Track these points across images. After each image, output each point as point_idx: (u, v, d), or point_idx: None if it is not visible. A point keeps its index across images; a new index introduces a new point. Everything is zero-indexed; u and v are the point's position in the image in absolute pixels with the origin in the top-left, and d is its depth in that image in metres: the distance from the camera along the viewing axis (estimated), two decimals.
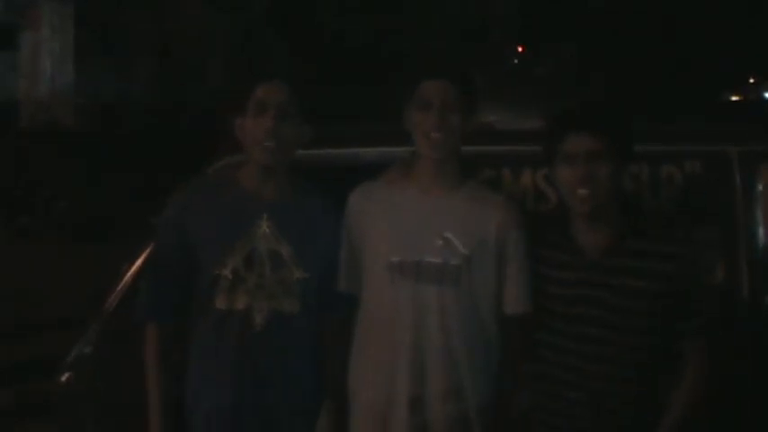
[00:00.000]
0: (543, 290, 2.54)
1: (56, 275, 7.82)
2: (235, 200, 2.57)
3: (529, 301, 2.55)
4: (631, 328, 2.45)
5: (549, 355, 2.54)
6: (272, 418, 2.56)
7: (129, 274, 3.04)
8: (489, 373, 2.56)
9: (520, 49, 25.70)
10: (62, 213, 10.91)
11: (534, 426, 2.59)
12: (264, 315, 2.53)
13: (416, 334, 2.50)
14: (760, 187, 3.14)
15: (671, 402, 2.48)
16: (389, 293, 2.53)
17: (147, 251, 2.94)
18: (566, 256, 2.52)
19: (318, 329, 2.64)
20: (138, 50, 16.01)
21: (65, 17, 15.97)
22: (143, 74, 16.09)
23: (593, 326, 2.47)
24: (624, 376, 2.46)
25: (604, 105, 2.65)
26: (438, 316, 2.50)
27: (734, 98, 24.71)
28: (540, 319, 2.55)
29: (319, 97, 2.70)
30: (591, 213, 2.46)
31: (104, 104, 15.19)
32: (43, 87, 15.97)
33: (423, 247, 2.51)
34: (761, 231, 3.12)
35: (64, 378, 3.06)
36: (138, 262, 3.02)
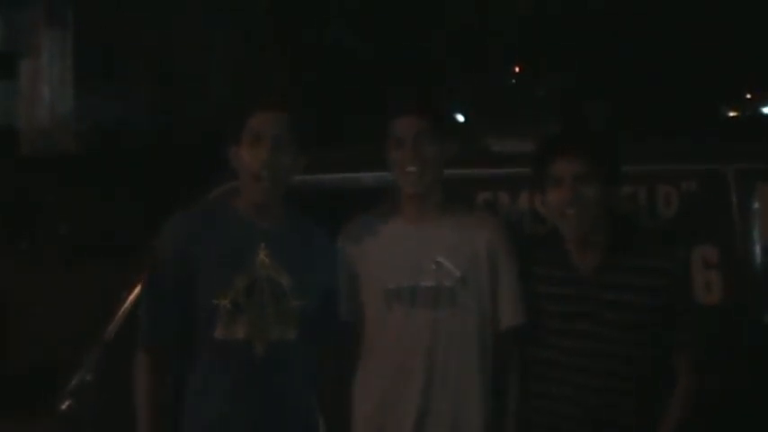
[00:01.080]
0: (539, 306, 2.60)
1: (57, 299, 7.80)
2: (232, 228, 2.57)
3: (522, 312, 2.60)
4: (624, 341, 2.51)
5: (545, 371, 2.58)
6: None
7: (130, 299, 3.04)
8: (487, 389, 2.61)
9: (517, 69, 25.74)
10: (63, 238, 10.92)
11: None
12: (265, 344, 2.52)
13: (416, 356, 2.57)
14: (756, 205, 3.16)
15: (664, 417, 2.52)
16: (388, 320, 2.60)
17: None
18: (560, 273, 2.59)
19: (317, 358, 2.65)
20: (139, 75, 16.07)
21: (64, 44, 16.04)
22: (143, 98, 16.15)
23: (588, 340, 2.53)
24: (619, 390, 2.52)
25: (591, 130, 2.72)
26: (435, 337, 2.57)
27: (731, 114, 24.80)
28: (536, 336, 2.60)
29: (319, 119, 2.73)
30: (581, 233, 2.54)
31: (105, 129, 15.24)
32: (43, 114, 16.02)
33: (417, 273, 2.59)
34: (758, 249, 3.14)
35: (65, 406, 3.06)
36: (139, 287, 3.02)
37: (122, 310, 3.06)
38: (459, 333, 2.58)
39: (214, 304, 2.50)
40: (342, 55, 15.55)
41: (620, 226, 2.62)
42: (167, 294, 2.54)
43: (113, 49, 15.51)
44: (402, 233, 2.64)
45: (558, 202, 2.53)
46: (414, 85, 12.97)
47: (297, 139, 2.57)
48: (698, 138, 4.20)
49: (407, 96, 2.77)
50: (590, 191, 2.50)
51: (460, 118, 15.67)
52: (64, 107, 16.21)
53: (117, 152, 14.12)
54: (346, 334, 2.66)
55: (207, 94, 15.79)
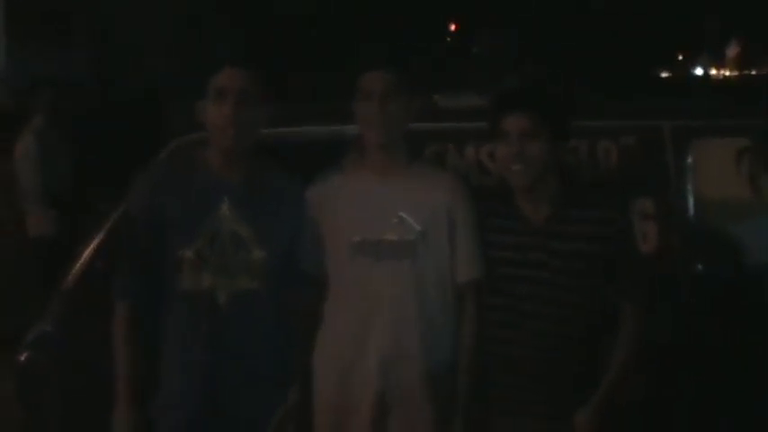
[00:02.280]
0: (491, 256, 2.70)
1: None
2: (199, 182, 2.64)
3: (481, 267, 2.70)
4: (573, 288, 2.64)
5: (501, 318, 2.69)
6: (236, 393, 2.64)
7: (87, 252, 3.09)
8: (448, 338, 2.72)
9: (453, 28, 25.71)
10: None
11: (488, 386, 2.73)
12: (227, 294, 2.60)
13: (379, 307, 2.67)
14: (690, 160, 3.32)
15: (610, 360, 2.65)
16: (352, 272, 2.68)
17: (103, 231, 3.01)
18: (511, 224, 2.69)
19: (281, 307, 2.72)
20: (78, 31, 15.72)
21: None
22: (81, 57, 15.80)
23: (540, 287, 2.64)
24: (568, 334, 2.64)
25: (538, 87, 2.83)
26: (397, 288, 2.67)
27: (663, 75, 25.23)
28: (490, 284, 2.70)
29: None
30: (527, 187, 2.65)
31: (42, 84, 14.89)
32: None
33: (381, 227, 2.68)
34: (691, 202, 3.30)
35: (23, 357, 3.10)
36: (96, 241, 3.07)
37: (79, 262, 3.10)
38: (419, 285, 2.67)
39: (179, 255, 2.58)
40: (282, 13, 15.43)
41: (568, 178, 2.73)
42: (136, 250, 2.63)
43: (50, 5, 15.14)
44: (366, 188, 2.72)
45: (505, 157, 2.64)
46: (380, 42, 12.96)
47: (260, 94, 2.64)
48: (637, 95, 4.35)
49: (376, 52, 2.85)
50: (535, 147, 2.60)
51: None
52: None
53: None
54: (309, 286, 2.74)
55: (146, 52, 15.51)
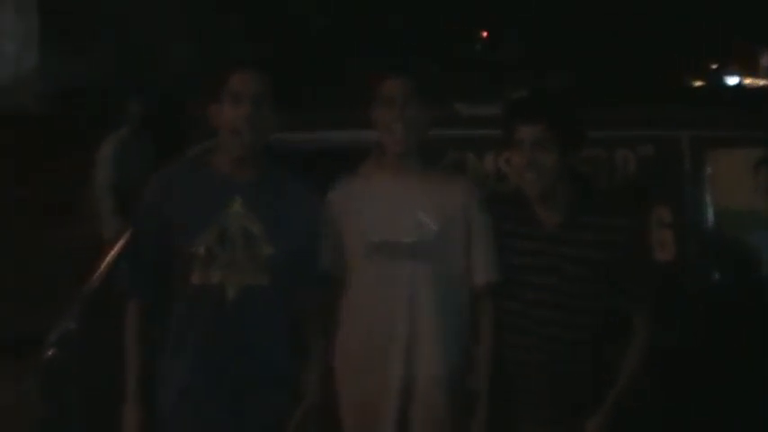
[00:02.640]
0: (505, 260, 2.75)
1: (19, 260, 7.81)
2: (209, 182, 2.71)
3: (496, 270, 2.76)
4: (585, 294, 2.68)
5: (513, 321, 2.74)
6: (243, 389, 2.68)
7: (112, 252, 3.16)
8: (462, 339, 2.78)
9: (484, 35, 25.66)
10: (23, 199, 10.87)
11: (498, 389, 2.77)
12: (237, 289, 2.66)
13: (396, 307, 2.73)
14: (708, 170, 3.34)
15: (621, 367, 2.69)
16: (371, 272, 2.75)
17: (128, 232, 3.07)
18: (525, 229, 2.74)
19: (290, 305, 2.77)
20: (98, 35, 15.91)
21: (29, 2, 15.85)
22: (103, 58, 15.99)
23: (551, 293, 2.68)
24: (578, 339, 2.68)
25: (551, 96, 2.86)
26: (413, 289, 2.72)
27: (696, 84, 25.03)
28: (503, 288, 2.75)
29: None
30: (540, 194, 2.69)
31: (66, 89, 15.09)
32: (7, 72, 15.83)
33: (399, 228, 2.74)
34: (708, 211, 3.32)
35: (49, 353, 3.17)
36: (121, 241, 3.14)
37: (105, 261, 3.17)
38: (436, 285, 2.73)
39: (190, 252, 2.65)
40: (302, 25, 15.50)
41: (582, 186, 2.77)
42: (148, 247, 2.71)
43: (77, 10, 15.34)
44: (385, 190, 2.78)
45: (519, 165, 2.69)
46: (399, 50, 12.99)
47: (274, 98, 2.70)
48: (656, 105, 4.35)
49: (398, 59, 2.90)
50: (547, 156, 2.65)
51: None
52: (28, 66, 16.05)
53: (77, 110, 14.03)
54: (326, 286, 2.80)
55: (167, 58, 15.65)
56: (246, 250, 2.68)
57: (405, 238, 2.73)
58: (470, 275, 2.77)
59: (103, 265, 3.17)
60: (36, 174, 11.10)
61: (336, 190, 2.85)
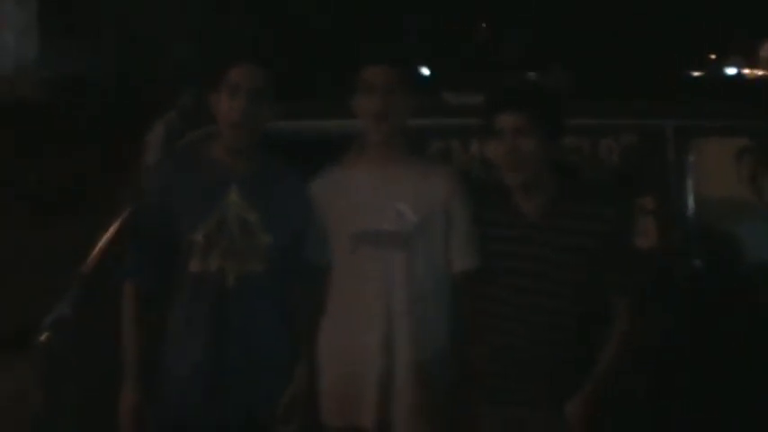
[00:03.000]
0: (489, 248, 2.78)
1: (26, 248, 7.87)
2: (207, 171, 2.77)
3: (476, 258, 2.78)
4: (566, 281, 2.71)
5: (497, 309, 2.77)
6: (244, 374, 2.74)
7: (106, 237, 3.21)
8: (442, 327, 2.80)
9: (484, 25, 25.62)
10: (30, 187, 10.93)
11: (482, 375, 2.81)
12: (236, 276, 2.72)
13: (379, 296, 2.75)
14: (691, 159, 3.40)
15: (602, 353, 2.72)
16: (352, 261, 2.78)
17: (122, 217, 3.14)
18: (508, 217, 2.77)
19: (286, 293, 2.82)
20: (102, 25, 15.93)
21: None
22: (107, 48, 16.01)
23: (534, 279, 2.72)
24: (560, 326, 2.71)
25: (532, 85, 2.90)
26: (393, 278, 2.75)
27: (695, 74, 25.04)
28: (486, 276, 2.78)
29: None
30: (521, 183, 2.72)
31: (69, 78, 15.12)
32: (7, 62, 15.86)
33: (380, 217, 2.76)
34: (691, 199, 3.38)
35: (43, 338, 3.20)
36: (115, 226, 3.19)
37: (99, 246, 3.22)
38: (415, 274, 2.76)
39: (189, 239, 2.71)
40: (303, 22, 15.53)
41: (565, 175, 2.80)
42: (148, 233, 2.77)
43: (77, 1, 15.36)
44: (366, 180, 2.80)
45: (499, 154, 2.71)
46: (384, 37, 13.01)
47: (272, 90, 2.75)
48: (642, 95, 4.42)
49: (380, 46, 2.93)
50: (528, 145, 2.67)
51: (425, 71, 15.74)
52: (28, 55, 16.07)
53: (81, 99, 14.05)
54: (315, 276, 2.83)
55: (169, 50, 15.67)
56: (244, 238, 2.73)
57: (384, 227, 2.75)
58: (449, 263, 2.80)
59: (97, 250, 3.21)
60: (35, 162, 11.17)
61: (317, 180, 2.87)
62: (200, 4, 15.72)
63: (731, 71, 29.98)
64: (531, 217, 2.75)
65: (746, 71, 30.23)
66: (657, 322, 3.11)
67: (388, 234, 2.76)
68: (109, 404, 2.75)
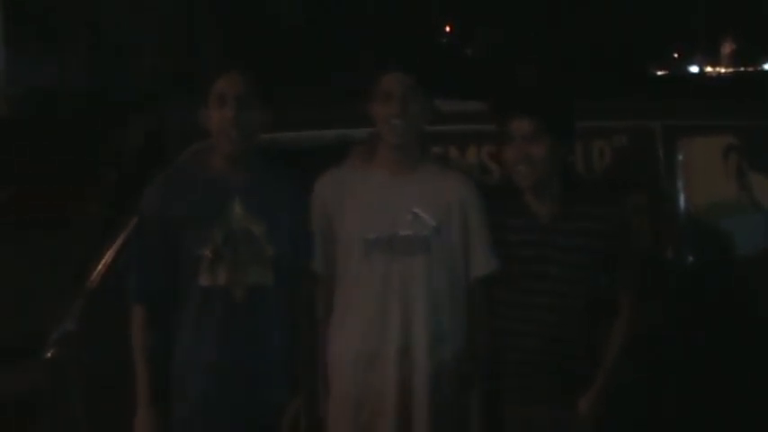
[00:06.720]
0: (502, 252, 2.82)
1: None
2: (208, 185, 2.77)
3: (495, 262, 2.82)
4: (576, 280, 2.78)
5: (508, 311, 2.83)
6: (252, 387, 2.75)
7: (111, 251, 3.22)
8: (458, 331, 2.83)
9: (447, 29, 25.73)
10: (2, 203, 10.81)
11: (498, 377, 2.87)
12: (244, 288, 2.73)
13: (394, 302, 2.76)
14: (680, 158, 3.48)
15: (607, 345, 2.82)
16: (367, 268, 2.78)
17: (127, 231, 3.15)
18: (519, 221, 2.82)
19: (290, 303, 2.83)
20: (70, 37, 15.82)
21: None
22: (75, 60, 15.90)
23: (546, 281, 2.78)
24: (574, 323, 2.79)
25: (541, 90, 2.96)
26: (410, 283, 2.77)
27: (660, 72, 25.35)
28: (499, 279, 2.83)
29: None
30: (532, 186, 2.78)
31: (38, 92, 14.99)
32: None
33: (395, 223, 2.78)
34: (681, 197, 3.47)
35: (50, 354, 3.20)
36: (120, 240, 3.20)
37: (103, 261, 3.22)
38: (432, 279, 2.77)
39: (197, 254, 2.72)
40: (275, 24, 15.51)
41: (571, 177, 2.88)
42: (152, 252, 2.76)
43: (47, 11, 15.23)
44: (380, 184, 2.81)
45: (511, 158, 2.77)
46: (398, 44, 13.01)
47: (260, 96, 2.77)
48: (628, 96, 4.49)
49: (397, 53, 2.97)
50: (539, 150, 2.72)
51: None
52: None
53: (50, 113, 13.93)
54: (317, 283, 2.86)
55: (139, 59, 15.60)
56: (250, 251, 2.75)
57: (401, 231, 2.77)
58: (468, 268, 2.82)
59: (102, 264, 3.22)
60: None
61: (324, 184, 2.87)
62: (173, 17, 15.66)
63: (694, 69, 30.39)
64: (543, 220, 2.80)
65: (709, 69, 30.66)
66: (652, 316, 3.19)
67: (403, 239, 2.77)
68: (116, 418, 2.76)
